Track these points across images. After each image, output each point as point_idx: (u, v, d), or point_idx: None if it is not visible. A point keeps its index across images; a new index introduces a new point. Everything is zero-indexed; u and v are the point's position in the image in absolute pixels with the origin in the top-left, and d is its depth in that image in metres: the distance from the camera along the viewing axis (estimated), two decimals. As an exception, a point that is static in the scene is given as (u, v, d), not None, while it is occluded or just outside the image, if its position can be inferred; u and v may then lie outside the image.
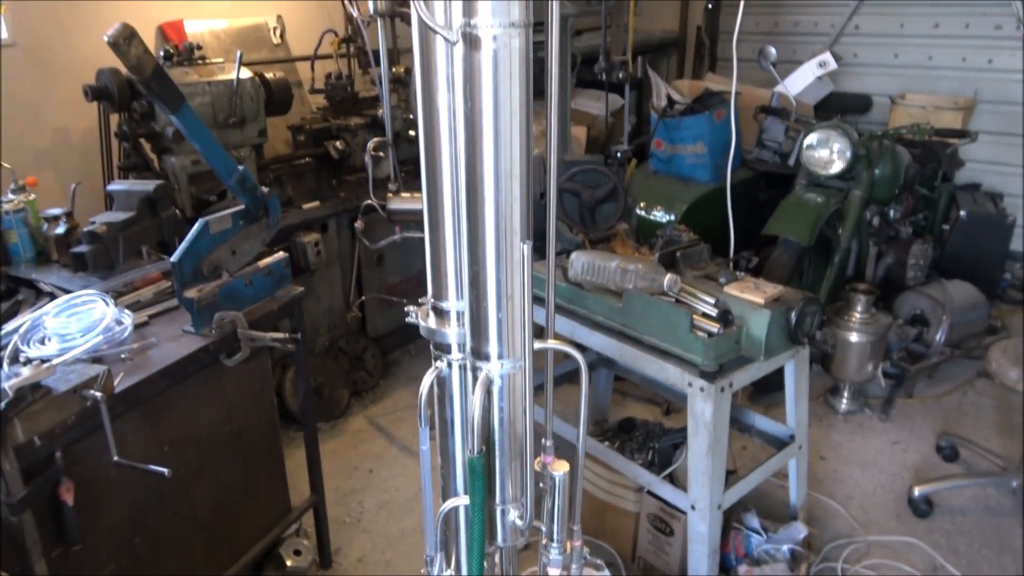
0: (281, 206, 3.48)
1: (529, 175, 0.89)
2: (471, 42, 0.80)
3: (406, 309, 1.12)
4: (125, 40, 1.66)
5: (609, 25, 2.52)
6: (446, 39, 0.81)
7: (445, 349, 1.08)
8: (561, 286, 2.49)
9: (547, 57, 0.87)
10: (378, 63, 3.07)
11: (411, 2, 0.80)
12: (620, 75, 2.56)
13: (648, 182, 4.19)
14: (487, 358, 0.99)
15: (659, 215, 4.00)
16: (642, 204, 4.08)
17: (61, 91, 3.22)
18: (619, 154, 2.63)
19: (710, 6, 5.88)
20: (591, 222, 2.78)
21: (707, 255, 2.50)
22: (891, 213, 3.92)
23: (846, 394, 3.58)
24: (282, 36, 3.97)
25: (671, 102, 4.02)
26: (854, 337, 3.33)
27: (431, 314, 1.08)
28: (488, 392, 0.99)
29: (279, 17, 3.95)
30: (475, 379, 1.00)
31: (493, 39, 0.80)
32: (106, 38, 1.66)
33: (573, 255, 2.43)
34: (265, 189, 2.15)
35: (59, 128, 3.31)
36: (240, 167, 2.06)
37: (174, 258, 1.94)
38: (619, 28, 4.13)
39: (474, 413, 0.96)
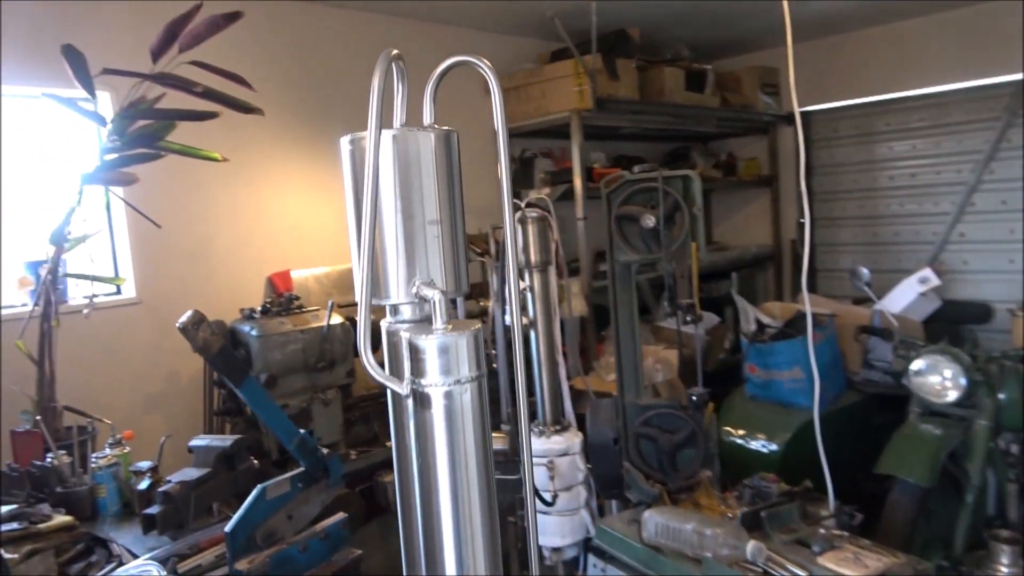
0: (368, 443, 3.56)
1: (495, 541, 0.82)
2: (420, 400, 0.78)
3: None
4: (193, 326, 1.79)
5: (673, 270, 2.51)
6: (397, 392, 0.79)
7: None
8: (637, 548, 2.29)
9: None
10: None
11: (362, 355, 0.80)
12: (688, 318, 2.51)
13: (745, 408, 3.96)
14: None
15: (758, 445, 3.72)
16: (740, 432, 3.83)
17: (174, 340, 3.49)
18: (694, 397, 2.51)
19: (802, 221, 5.87)
20: (671, 469, 2.61)
21: (797, 515, 2.25)
22: (1030, 440, 3.47)
23: (1007, 667, 2.97)
24: (379, 277, 4.24)
25: (761, 326, 3.90)
26: (1003, 597, 2.82)
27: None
28: None
29: (377, 260, 4.25)
30: None
31: (444, 396, 0.77)
32: (178, 325, 1.80)
33: (646, 514, 2.25)
34: (326, 451, 2.17)
35: (170, 373, 3.58)
36: (301, 431, 2.10)
37: (228, 528, 1.94)
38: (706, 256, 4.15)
39: None
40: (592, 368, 4.46)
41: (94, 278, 2.81)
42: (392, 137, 0.82)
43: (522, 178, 4.96)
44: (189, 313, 1.81)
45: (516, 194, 4.90)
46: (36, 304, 2.59)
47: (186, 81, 2.46)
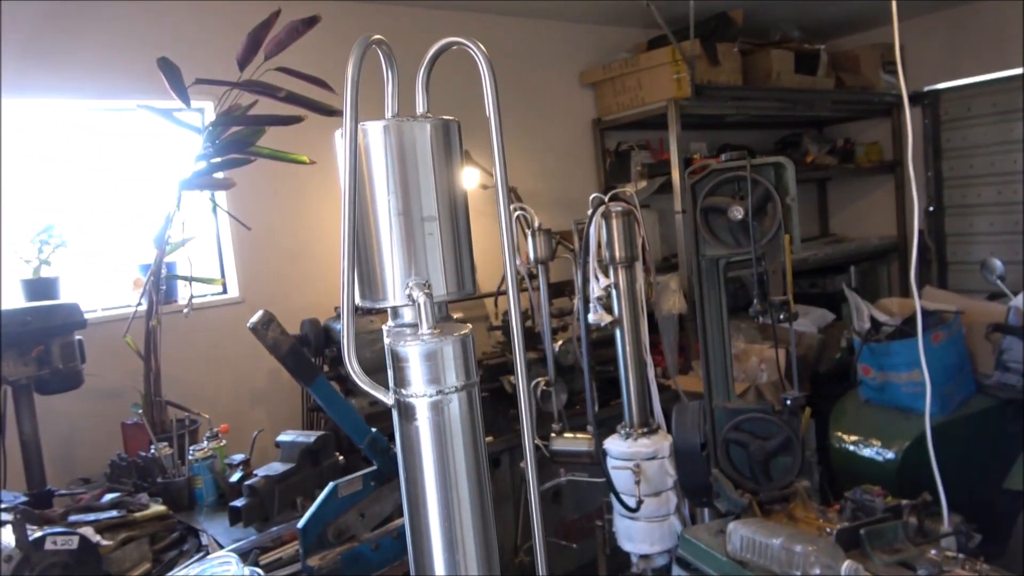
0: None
1: (491, 563, 0.75)
2: (404, 411, 0.72)
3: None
4: (263, 325, 1.83)
5: (763, 267, 2.33)
6: (383, 401, 0.74)
7: None
8: (721, 561, 2.15)
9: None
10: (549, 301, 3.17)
11: (345, 359, 0.75)
12: (782, 316, 2.33)
13: (859, 413, 3.67)
14: None
15: (872, 452, 3.44)
16: (852, 438, 3.55)
17: (275, 338, 3.65)
18: (788, 401, 2.32)
19: (931, 208, 5.40)
20: (764, 478, 2.44)
21: (904, 533, 2.03)
22: None
23: None
24: (472, 275, 4.25)
25: (876, 324, 3.59)
26: None
27: None
28: None
29: (470, 258, 4.25)
30: None
31: (429, 407, 0.71)
32: (248, 325, 1.84)
33: (731, 526, 2.10)
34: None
35: (272, 369, 3.71)
36: (372, 429, 2.10)
37: (300, 524, 1.97)
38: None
39: None
40: (691, 368, 4.28)
41: (193, 279, 2.95)
42: (383, 128, 0.77)
43: (618, 172, 4.82)
44: (259, 313, 1.84)
45: (612, 188, 4.78)
46: (139, 304, 2.75)
47: (270, 87, 2.53)
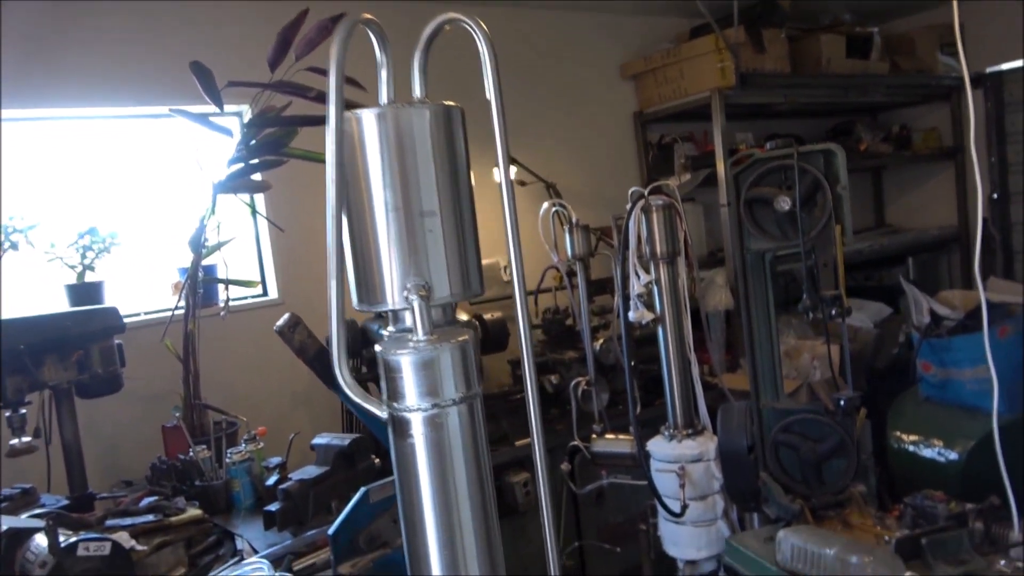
0: (495, 442, 3.50)
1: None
2: (398, 426, 0.66)
3: None
4: (289, 328, 1.79)
5: (812, 260, 2.21)
6: (376, 415, 0.68)
7: None
8: (770, 570, 2.04)
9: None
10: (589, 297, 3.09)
11: (335, 369, 0.69)
12: (833, 312, 2.20)
13: (919, 411, 3.48)
14: None
15: (933, 453, 3.26)
16: (912, 438, 3.38)
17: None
18: (842, 402, 2.19)
19: (995, 196, 5.12)
20: (816, 482, 2.31)
21: (969, 542, 1.89)
22: None
23: None
24: (512, 273, 4.18)
25: (936, 318, 3.40)
26: None
27: None
28: None
29: (510, 256, 4.19)
30: None
31: (425, 422, 0.65)
32: (275, 328, 1.81)
33: (781, 534, 1.99)
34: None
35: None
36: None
37: (331, 530, 1.93)
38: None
39: None
40: (739, 366, 4.13)
41: (230, 281, 2.96)
42: (376, 116, 0.71)
43: (661, 165, 4.70)
44: (286, 316, 1.81)
45: (654, 182, 4.65)
46: (177, 307, 2.76)
47: (300, 87, 2.50)
